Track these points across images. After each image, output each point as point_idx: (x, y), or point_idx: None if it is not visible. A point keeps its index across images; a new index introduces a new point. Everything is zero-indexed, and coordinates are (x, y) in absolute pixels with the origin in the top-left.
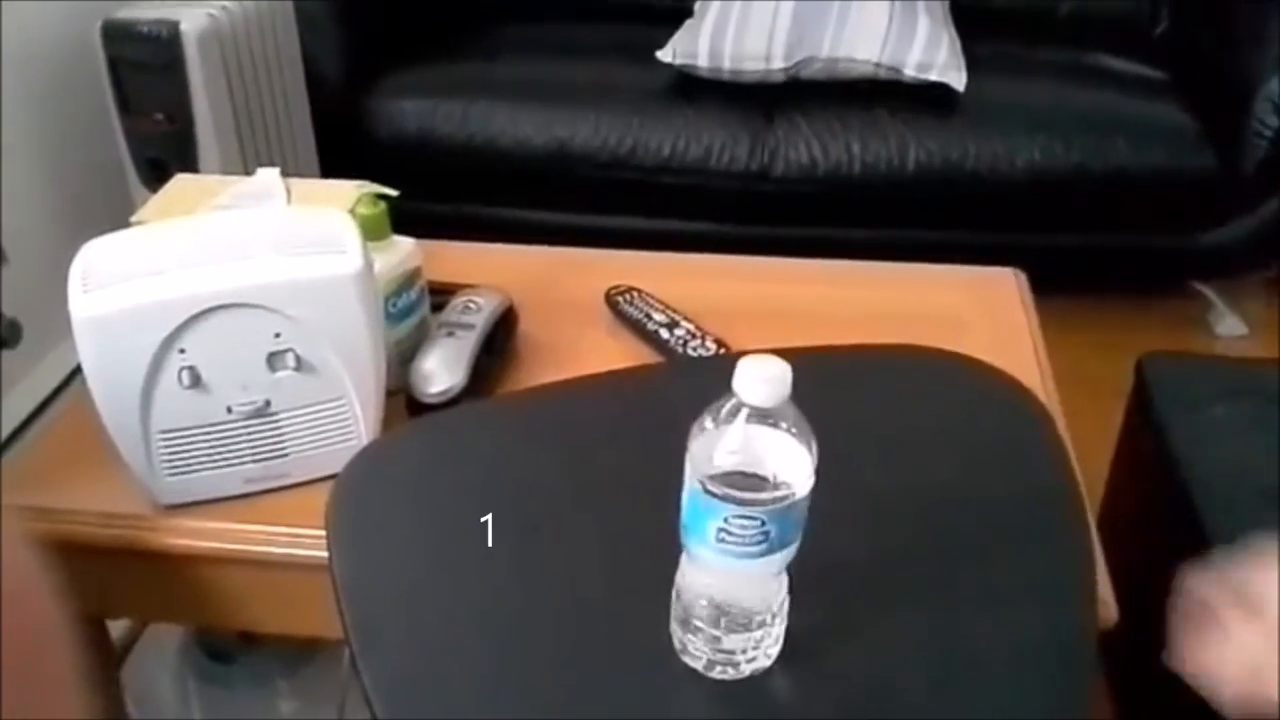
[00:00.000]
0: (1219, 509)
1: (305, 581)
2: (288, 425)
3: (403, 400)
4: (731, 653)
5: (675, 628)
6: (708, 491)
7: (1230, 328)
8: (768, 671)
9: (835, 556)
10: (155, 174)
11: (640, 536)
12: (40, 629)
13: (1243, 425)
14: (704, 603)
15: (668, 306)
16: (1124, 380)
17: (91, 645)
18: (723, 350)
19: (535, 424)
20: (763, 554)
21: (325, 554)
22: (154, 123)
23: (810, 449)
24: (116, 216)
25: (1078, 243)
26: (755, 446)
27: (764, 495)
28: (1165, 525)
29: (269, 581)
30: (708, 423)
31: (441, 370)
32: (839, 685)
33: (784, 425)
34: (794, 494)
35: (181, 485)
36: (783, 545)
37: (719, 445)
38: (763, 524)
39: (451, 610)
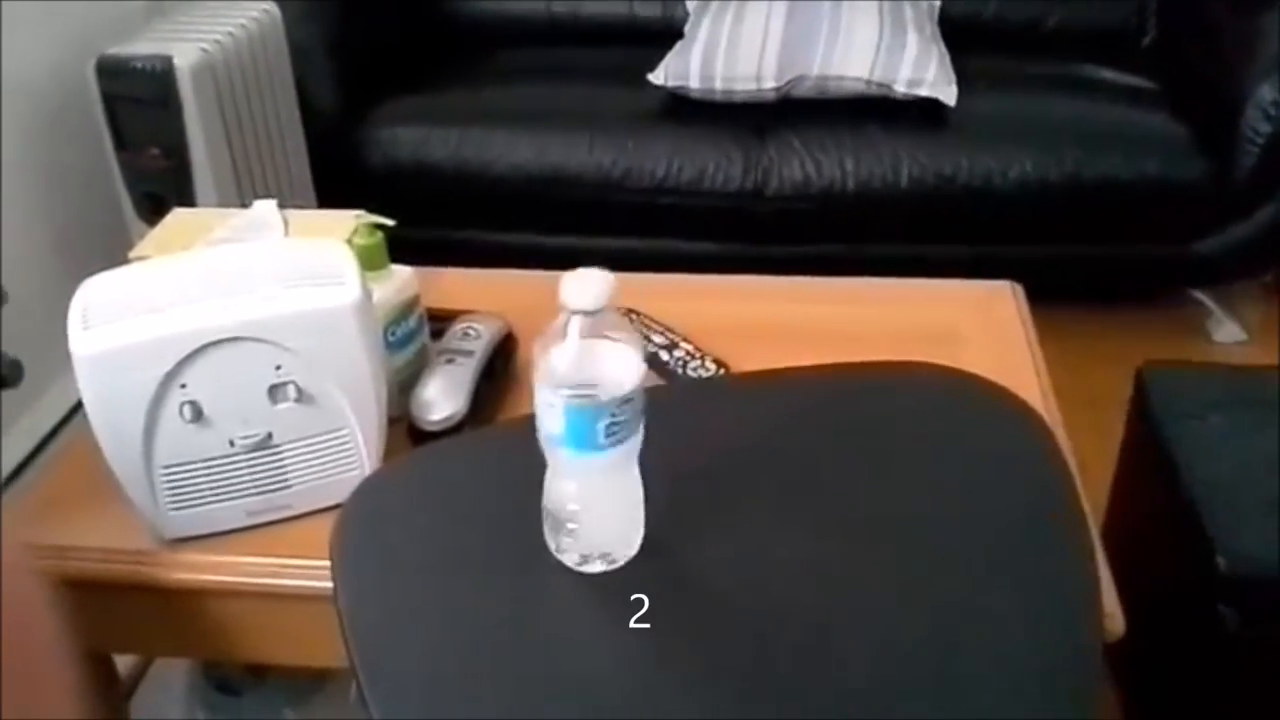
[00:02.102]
0: (1222, 516)
1: (310, 612)
2: (290, 457)
3: (404, 429)
4: (603, 543)
5: (548, 536)
6: (553, 395)
7: (1229, 334)
8: (782, 679)
9: (838, 570)
10: (152, 208)
11: (644, 559)
12: (39, 639)
13: (1243, 432)
14: (572, 506)
15: (667, 328)
16: (1124, 389)
17: (98, 680)
18: (723, 370)
19: (537, 450)
20: (605, 447)
21: (330, 585)
22: (150, 158)
23: (638, 351)
24: (114, 251)
25: (1073, 253)
26: (588, 355)
27: (596, 392)
28: (1169, 533)
29: (274, 613)
30: (548, 339)
31: (442, 398)
32: (843, 700)
33: (610, 333)
34: (624, 391)
35: (184, 519)
36: (621, 439)
37: (559, 355)
38: (598, 419)
39: (456, 639)
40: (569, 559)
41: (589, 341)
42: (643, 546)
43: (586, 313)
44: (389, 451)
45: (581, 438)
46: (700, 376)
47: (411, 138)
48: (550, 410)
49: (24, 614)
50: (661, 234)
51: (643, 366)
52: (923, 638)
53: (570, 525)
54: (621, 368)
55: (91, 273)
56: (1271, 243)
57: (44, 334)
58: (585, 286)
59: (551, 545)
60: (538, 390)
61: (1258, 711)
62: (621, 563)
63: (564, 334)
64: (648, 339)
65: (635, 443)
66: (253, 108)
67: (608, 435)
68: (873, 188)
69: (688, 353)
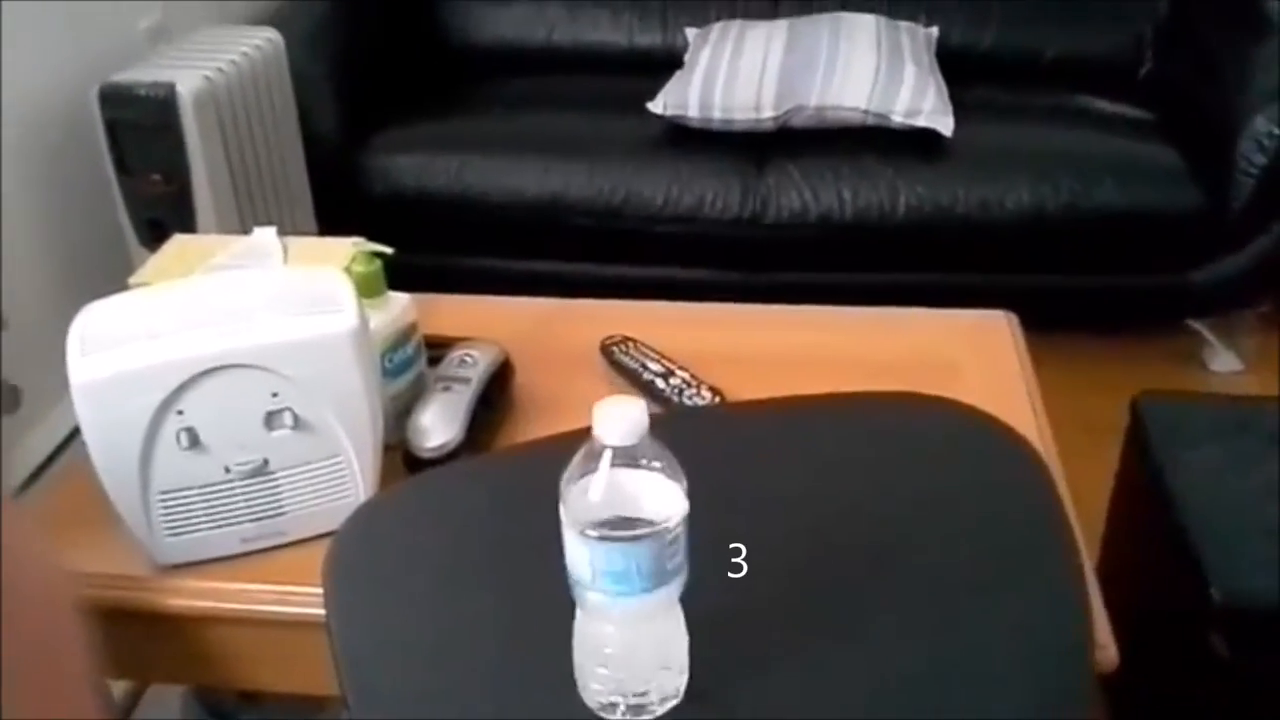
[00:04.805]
0: (1216, 546)
1: (304, 639)
2: (285, 484)
3: (400, 455)
4: (643, 693)
5: (577, 673)
6: (584, 535)
7: (1225, 364)
8: (775, 704)
9: (829, 601)
10: (153, 234)
11: None
12: (59, 632)
13: (1238, 462)
14: (608, 649)
15: (663, 356)
16: (1120, 419)
17: None
18: (718, 399)
19: (533, 478)
20: (646, 590)
21: (323, 612)
22: (151, 184)
23: (679, 481)
24: (116, 276)
25: (1070, 283)
26: (624, 488)
27: (638, 532)
28: (1163, 563)
29: (268, 640)
30: (576, 471)
31: (438, 425)
32: None
33: (647, 463)
34: (666, 528)
35: (180, 545)
36: (664, 580)
37: (590, 491)
38: (639, 561)
39: (449, 668)
40: (591, 700)
41: (623, 472)
42: None
43: (621, 448)
44: (385, 478)
45: (618, 580)
46: (696, 404)
47: (412, 165)
48: (580, 550)
49: (54, 626)
50: (659, 261)
51: (684, 500)
52: (915, 669)
53: (601, 671)
54: (662, 501)
55: (93, 297)
56: (1267, 273)
57: (44, 358)
58: (619, 419)
59: (579, 684)
60: (565, 528)
61: None
62: (655, 714)
63: (595, 465)
64: (644, 366)
65: (678, 584)
66: (254, 135)
67: (648, 577)
68: (870, 217)
69: (684, 380)
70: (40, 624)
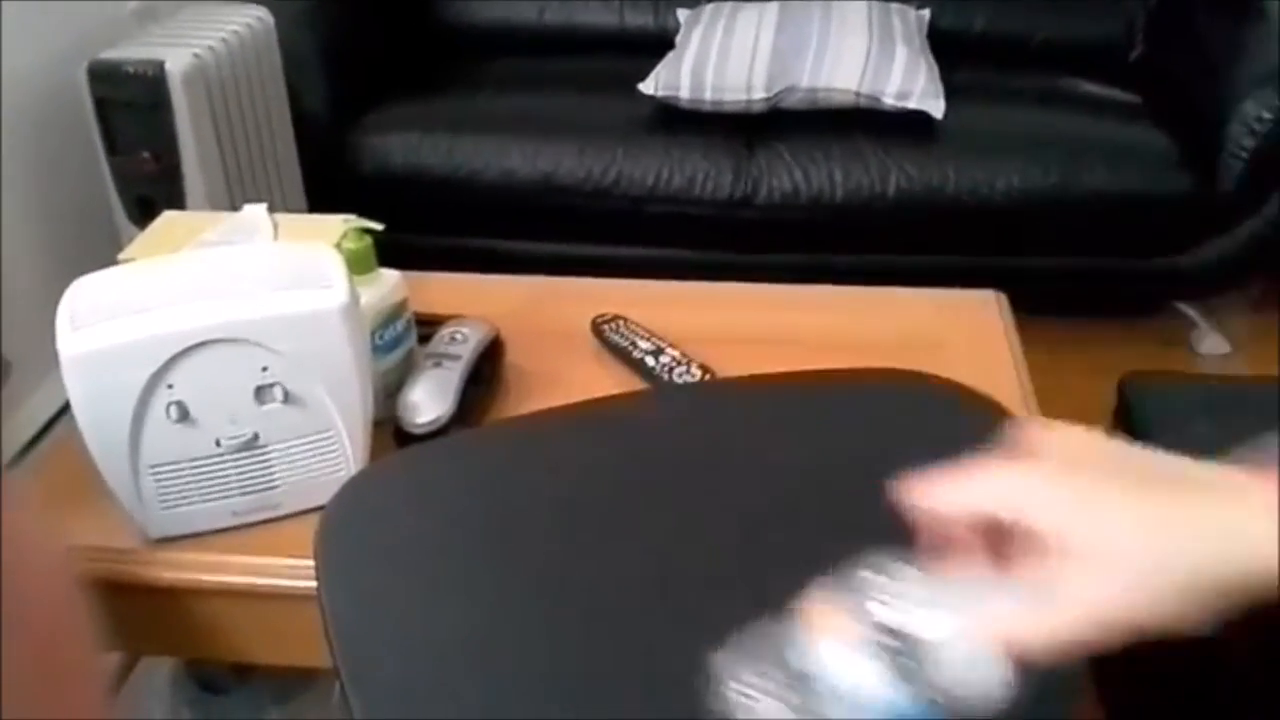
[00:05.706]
0: None
1: (296, 612)
2: (276, 458)
3: (390, 431)
4: None
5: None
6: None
7: (1212, 346)
8: None
9: (809, 573)
10: (143, 211)
11: (628, 565)
12: (63, 620)
13: (1226, 443)
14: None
15: (653, 334)
16: (1107, 400)
17: None
18: (708, 376)
19: (522, 453)
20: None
21: (314, 585)
22: (141, 161)
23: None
24: (105, 254)
25: (1058, 265)
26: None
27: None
28: None
29: (259, 613)
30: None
31: (428, 401)
32: None
33: None
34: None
35: (171, 519)
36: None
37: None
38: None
39: (440, 641)
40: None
41: None
42: (627, 546)
43: None
44: (375, 454)
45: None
46: (685, 381)
47: (403, 144)
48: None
49: (57, 610)
50: (650, 242)
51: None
52: None
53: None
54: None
55: (82, 274)
56: (1255, 256)
57: (34, 333)
58: None
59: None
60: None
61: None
62: None
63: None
64: (634, 344)
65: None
66: (244, 113)
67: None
68: (860, 198)
69: (674, 358)
70: (43, 612)
